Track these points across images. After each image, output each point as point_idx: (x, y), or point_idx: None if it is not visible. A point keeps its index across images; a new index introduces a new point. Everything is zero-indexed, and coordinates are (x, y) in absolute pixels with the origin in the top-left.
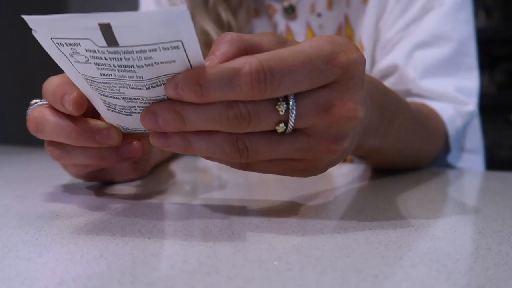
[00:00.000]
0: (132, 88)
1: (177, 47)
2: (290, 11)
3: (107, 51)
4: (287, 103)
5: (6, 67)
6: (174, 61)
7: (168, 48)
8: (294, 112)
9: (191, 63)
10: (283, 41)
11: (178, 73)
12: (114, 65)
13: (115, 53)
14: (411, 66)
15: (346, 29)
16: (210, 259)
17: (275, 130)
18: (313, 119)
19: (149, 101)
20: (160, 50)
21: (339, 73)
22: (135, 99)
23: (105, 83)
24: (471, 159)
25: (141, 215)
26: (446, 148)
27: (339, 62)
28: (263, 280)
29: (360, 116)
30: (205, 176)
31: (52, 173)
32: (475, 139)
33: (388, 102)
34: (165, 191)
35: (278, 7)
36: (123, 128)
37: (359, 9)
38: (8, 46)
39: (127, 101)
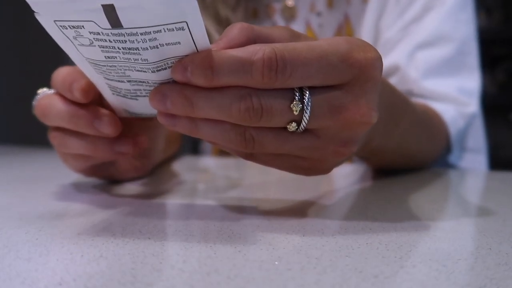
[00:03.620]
0: (138, 70)
1: (182, 28)
2: (289, 11)
3: (111, 33)
4: (302, 104)
5: (6, 67)
6: (179, 43)
7: (173, 29)
8: (308, 113)
9: (197, 45)
10: (296, 36)
11: (185, 56)
12: (118, 48)
13: (119, 35)
14: (413, 67)
15: (346, 28)
16: (210, 259)
17: (285, 127)
18: (326, 121)
19: (154, 84)
20: (164, 31)
21: (354, 73)
22: (140, 82)
23: (110, 66)
24: (473, 158)
25: (142, 215)
26: (447, 148)
27: (355, 61)
28: (263, 280)
29: (374, 122)
30: (205, 176)
31: (52, 173)
32: (477, 138)
33: (396, 103)
34: (166, 191)
35: (277, 7)
36: (129, 113)
37: (360, 8)
38: (8, 46)
39: (133, 84)
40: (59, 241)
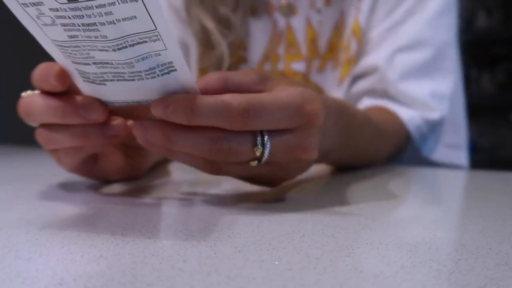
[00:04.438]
0: (100, 50)
1: (135, 0)
2: (289, 9)
3: (68, 8)
4: (263, 147)
5: (6, 67)
6: (135, 17)
7: (127, 1)
8: (267, 153)
9: (154, 20)
10: (264, 79)
11: (165, 94)
12: (78, 24)
13: (76, 10)
14: (391, 69)
15: (342, 25)
16: (210, 259)
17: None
18: (280, 157)
19: (118, 66)
20: (118, 3)
21: (304, 121)
22: (105, 63)
23: (74, 47)
24: (453, 154)
25: (142, 215)
26: (416, 147)
27: (305, 112)
28: (264, 280)
29: (314, 158)
30: (204, 176)
31: (52, 172)
32: (458, 134)
33: (350, 123)
34: (166, 191)
35: (277, 4)
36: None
37: (355, 5)
38: (8, 46)
39: (98, 67)
40: (59, 241)
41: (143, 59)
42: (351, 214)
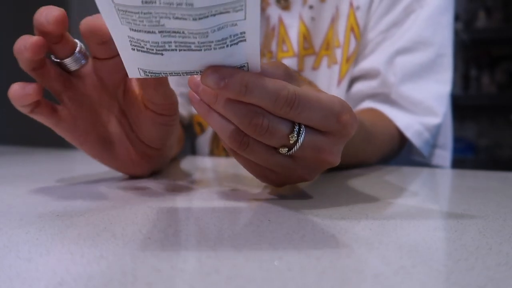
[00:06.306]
0: (176, 18)
1: None
2: (283, 1)
3: None
4: (298, 136)
5: (6, 67)
6: None
7: None
8: (299, 144)
9: None
10: (289, 75)
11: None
12: None
13: None
14: (391, 72)
15: (336, 21)
16: (211, 259)
17: (275, 147)
18: (307, 153)
19: (190, 35)
20: None
21: (339, 128)
22: (174, 32)
23: (144, 13)
24: (438, 154)
25: (142, 215)
26: (409, 148)
27: (342, 120)
28: (264, 280)
29: (336, 164)
30: (205, 176)
31: (52, 172)
32: (444, 135)
33: None
34: (166, 191)
35: (271, 0)
36: (145, 73)
37: (350, 1)
38: (8, 46)
39: (164, 36)
40: (59, 241)
41: (219, 29)
42: (351, 214)
